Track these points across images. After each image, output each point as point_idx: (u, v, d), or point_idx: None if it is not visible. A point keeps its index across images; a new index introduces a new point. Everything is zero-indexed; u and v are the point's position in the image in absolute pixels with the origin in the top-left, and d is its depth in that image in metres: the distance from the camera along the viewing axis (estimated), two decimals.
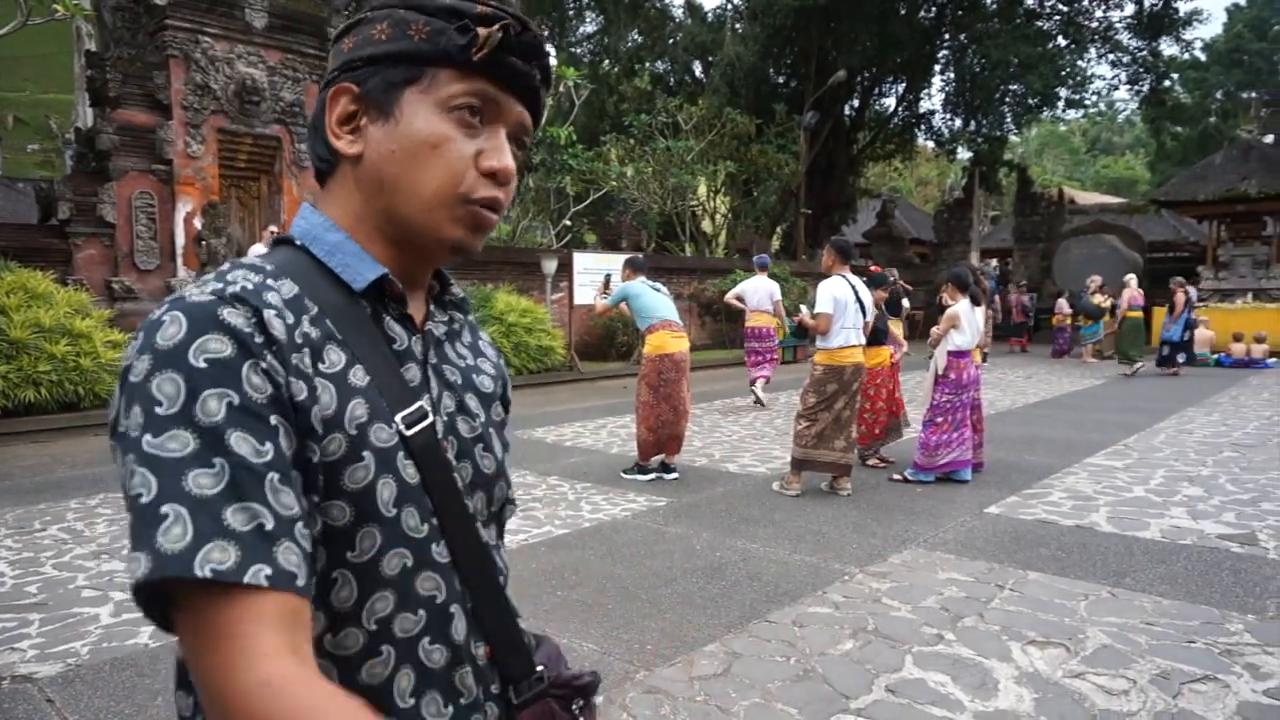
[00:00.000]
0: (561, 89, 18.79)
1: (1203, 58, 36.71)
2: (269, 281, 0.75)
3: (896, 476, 6.45)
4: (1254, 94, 33.15)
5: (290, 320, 0.73)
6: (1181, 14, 24.10)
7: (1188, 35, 24.81)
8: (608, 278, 7.07)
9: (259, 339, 0.69)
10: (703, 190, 22.48)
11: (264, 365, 0.68)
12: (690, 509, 5.58)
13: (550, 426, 9.11)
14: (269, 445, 0.66)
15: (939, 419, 6.29)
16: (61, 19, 11.08)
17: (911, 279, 20.04)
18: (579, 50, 27.66)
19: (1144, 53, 25.19)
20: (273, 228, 11.12)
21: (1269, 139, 20.50)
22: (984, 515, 5.41)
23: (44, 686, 3.08)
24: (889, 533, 5.03)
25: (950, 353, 6.35)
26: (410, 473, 0.77)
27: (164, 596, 0.62)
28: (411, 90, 0.79)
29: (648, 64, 27.26)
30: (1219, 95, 37.44)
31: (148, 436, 0.63)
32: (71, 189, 10.64)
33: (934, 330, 6.56)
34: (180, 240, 11.24)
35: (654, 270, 16.45)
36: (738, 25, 25.37)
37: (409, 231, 0.81)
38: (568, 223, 18.47)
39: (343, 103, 0.82)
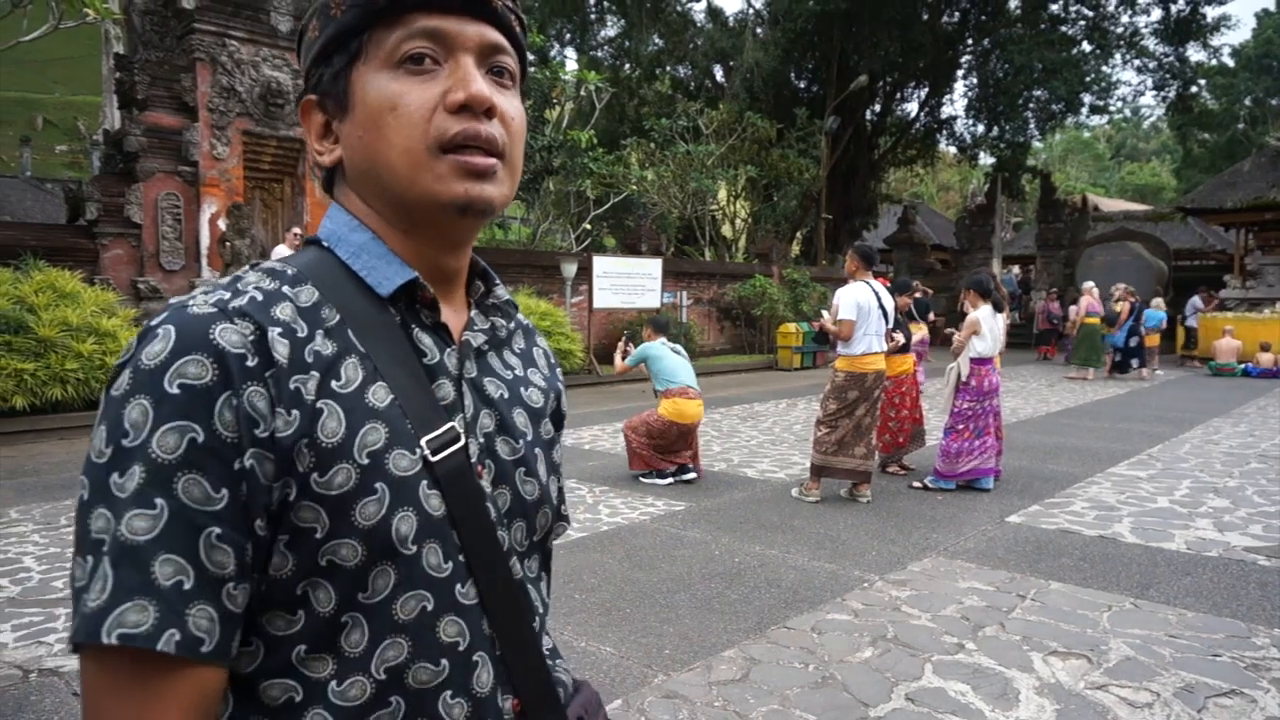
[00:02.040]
0: (583, 92, 18.86)
1: (1231, 63, 36.25)
2: (285, 289, 0.69)
3: (917, 484, 6.41)
4: None
5: (302, 334, 0.67)
6: (1209, 20, 23.80)
7: (1216, 41, 24.60)
8: (627, 337, 7.11)
9: (252, 362, 0.63)
10: (723, 195, 22.47)
11: (244, 399, 0.62)
12: (709, 513, 5.57)
13: (568, 430, 9.13)
14: (223, 492, 0.61)
15: (960, 426, 6.25)
16: (92, 23, 11.26)
17: (933, 285, 19.94)
18: (600, 54, 27.74)
19: (1171, 58, 24.91)
20: (296, 229, 11.23)
21: None
22: (1005, 524, 5.37)
23: (70, 680, 3.12)
24: (909, 540, 5.00)
25: (972, 360, 6.31)
26: (434, 504, 0.69)
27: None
28: (356, 70, 0.73)
29: (668, 68, 27.27)
30: (1247, 101, 36.94)
31: (110, 474, 0.60)
32: (99, 190, 10.80)
33: (955, 337, 6.52)
34: (205, 241, 11.38)
35: (673, 275, 16.61)
36: (759, 30, 25.35)
37: (406, 210, 0.74)
38: (588, 226, 18.54)
39: (313, 118, 0.77)
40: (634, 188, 18.62)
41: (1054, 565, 4.52)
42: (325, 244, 0.76)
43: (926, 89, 27.35)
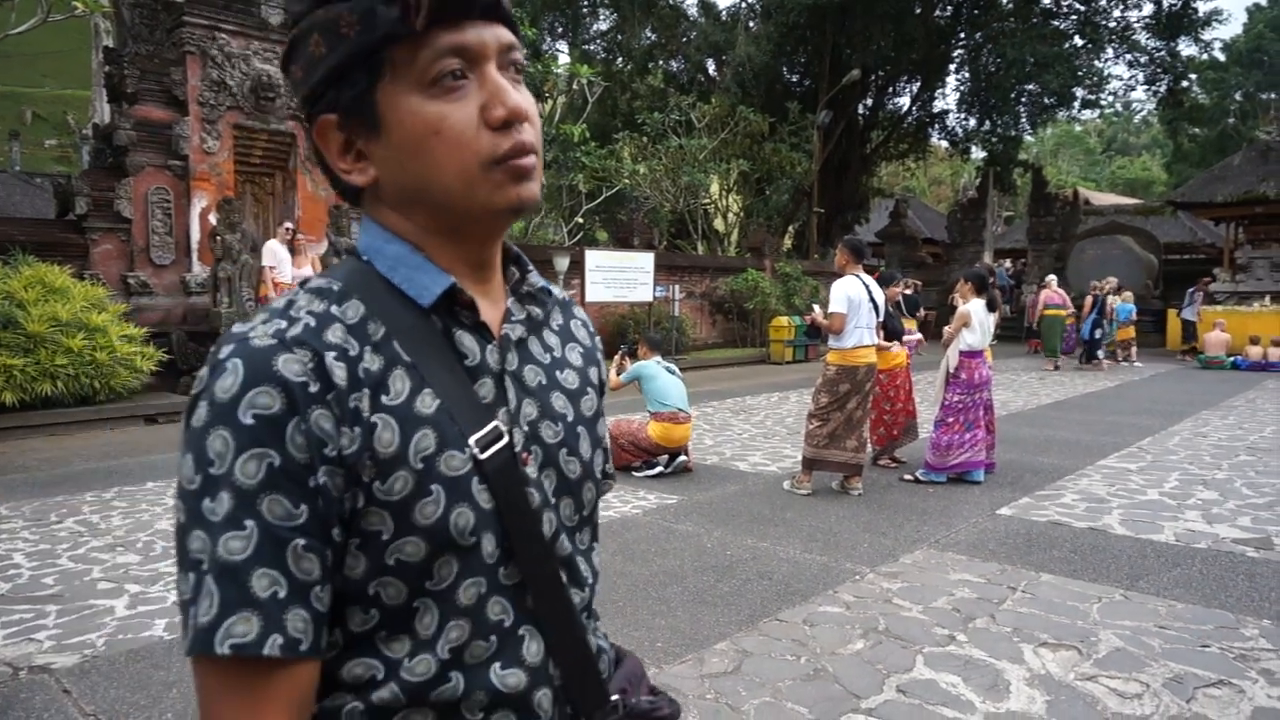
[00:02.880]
0: (575, 86, 18.80)
1: (1222, 58, 36.36)
2: (333, 309, 0.73)
3: (908, 477, 6.43)
4: (1274, 95, 32.85)
5: (354, 352, 0.72)
6: (1201, 14, 23.85)
7: (1207, 35, 24.54)
8: (624, 352, 7.12)
9: (314, 388, 0.68)
10: (715, 188, 22.45)
11: (311, 423, 0.68)
12: (701, 507, 5.58)
13: None
14: (303, 508, 0.67)
15: (950, 419, 6.27)
16: (81, 16, 11.17)
17: (924, 279, 19.98)
18: (592, 48, 27.66)
19: (1162, 53, 24.96)
20: (288, 224, 11.17)
21: None
22: (996, 516, 5.39)
23: (60, 677, 3.12)
24: (900, 533, 5.02)
25: (962, 352, 6.32)
26: (484, 498, 0.74)
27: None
28: (381, 89, 0.73)
29: (661, 62, 27.20)
30: (1238, 96, 37.09)
31: (202, 500, 0.66)
32: (89, 184, 10.73)
33: (946, 330, 6.54)
34: (195, 235, 11.32)
35: (666, 269, 16.60)
36: (751, 24, 25.31)
37: (462, 220, 0.77)
38: (580, 220, 18.52)
39: (332, 137, 0.77)
40: (626, 181, 18.59)
41: (1044, 557, 4.54)
42: (364, 257, 0.79)
43: (919, 83, 27.36)
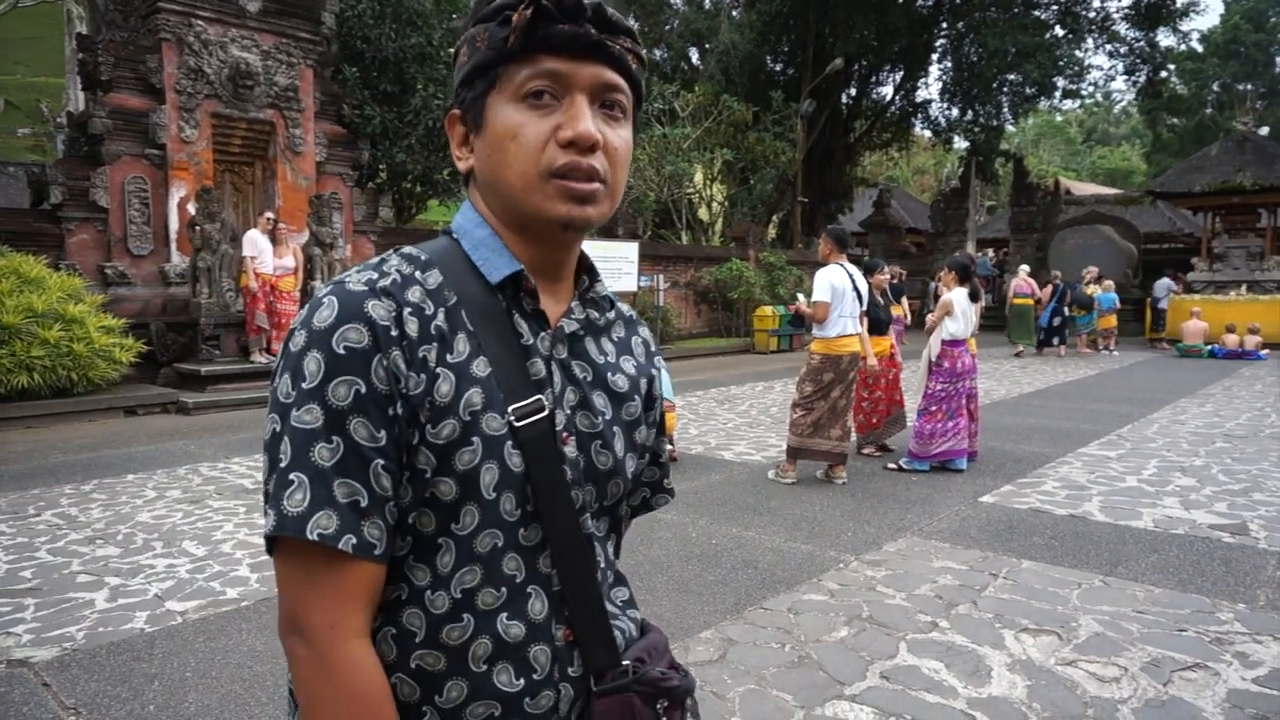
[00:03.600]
0: None
1: (1200, 49, 36.65)
2: (417, 274, 0.85)
3: (891, 465, 6.47)
4: (1250, 86, 33.17)
5: (429, 311, 0.83)
6: (1179, 5, 24.04)
7: (1185, 26, 24.99)
8: None
9: (394, 332, 0.80)
10: (699, 178, 22.42)
11: (390, 360, 0.79)
12: (685, 496, 5.59)
13: None
14: (383, 433, 0.78)
15: (933, 408, 6.31)
16: (53, 1, 10.98)
17: (908, 268, 20.06)
18: None
19: (1141, 43, 25.15)
20: (269, 213, 11.05)
21: (1264, 131, 20.54)
22: (978, 504, 5.44)
23: (40, 670, 3.08)
24: (884, 521, 5.05)
25: (944, 341, 6.36)
26: (515, 461, 0.83)
27: (272, 539, 0.78)
28: (491, 97, 0.86)
29: (644, 50, 27.10)
30: (1215, 87, 37.38)
31: (294, 409, 0.78)
32: (63, 173, 10.55)
33: (928, 318, 6.57)
34: (174, 225, 11.17)
35: (650, 258, 16.58)
36: (734, 12, 25.24)
37: (521, 219, 0.88)
38: None
39: (455, 128, 0.92)
40: None
41: (1026, 544, 4.59)
42: (454, 235, 0.92)
43: (902, 72, 27.42)
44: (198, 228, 10.35)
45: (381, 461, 0.78)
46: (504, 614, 0.84)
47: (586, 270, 0.97)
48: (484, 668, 0.84)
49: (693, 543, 4.61)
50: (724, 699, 2.86)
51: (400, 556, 0.83)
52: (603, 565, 0.94)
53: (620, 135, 0.88)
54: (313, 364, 0.78)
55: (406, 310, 0.81)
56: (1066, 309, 16.69)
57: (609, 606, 0.94)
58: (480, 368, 0.83)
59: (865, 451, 6.97)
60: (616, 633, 0.92)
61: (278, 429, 0.78)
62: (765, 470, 6.32)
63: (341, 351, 0.77)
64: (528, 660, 0.86)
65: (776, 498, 5.59)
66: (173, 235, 11.18)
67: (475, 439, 0.81)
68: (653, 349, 1.08)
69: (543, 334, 0.89)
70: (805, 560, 4.33)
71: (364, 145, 13.39)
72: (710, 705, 2.82)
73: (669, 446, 6.50)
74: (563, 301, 0.94)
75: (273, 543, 0.79)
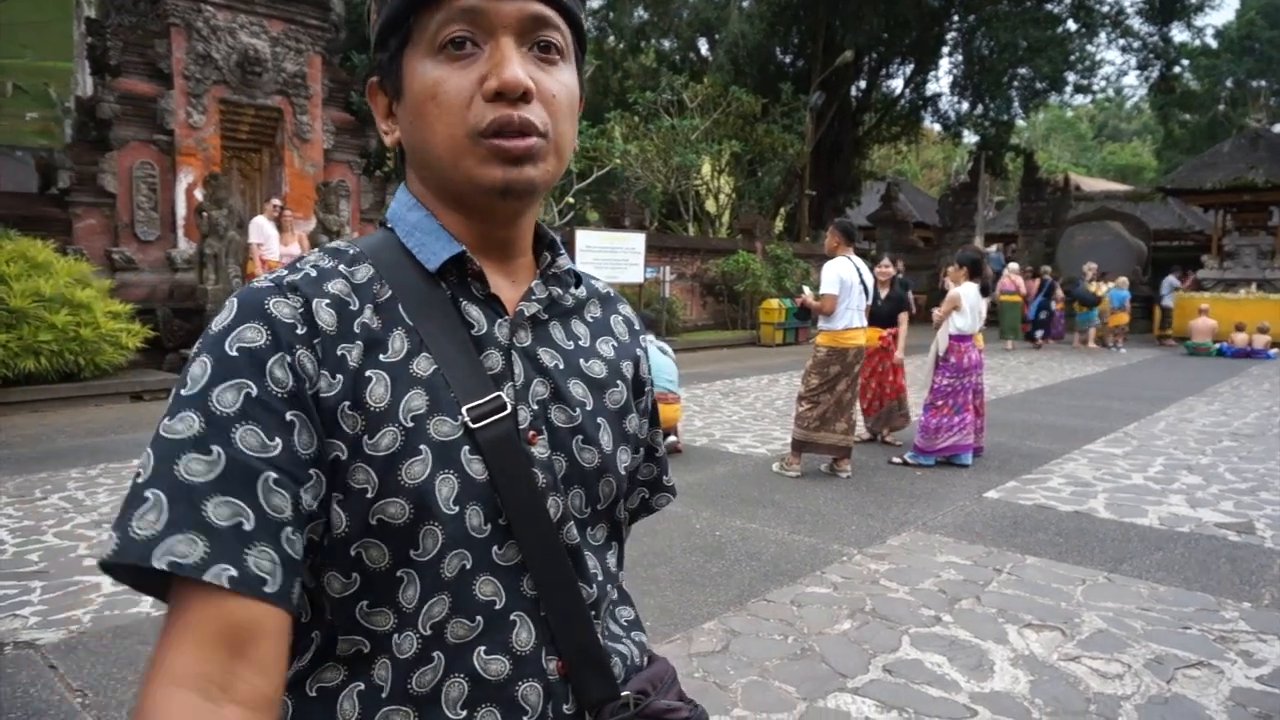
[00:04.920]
0: None
1: (1214, 44, 36.32)
2: (341, 267, 0.75)
3: (896, 459, 6.46)
4: (1264, 82, 32.90)
5: (353, 307, 0.72)
6: (1193, 0, 23.83)
7: (1199, 21, 24.71)
8: None
9: (300, 330, 0.68)
10: (707, 169, 22.37)
11: (293, 359, 0.67)
12: (690, 488, 5.59)
13: None
14: (278, 441, 0.65)
15: (939, 402, 6.29)
16: None
17: (915, 263, 20.01)
18: (584, 26, 27.38)
19: (1154, 38, 24.95)
20: (275, 200, 11.06)
21: (1278, 128, 20.36)
22: (983, 499, 5.43)
23: (46, 653, 3.10)
24: (888, 515, 5.04)
25: (951, 336, 6.34)
26: (476, 469, 0.72)
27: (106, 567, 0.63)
28: (406, 55, 0.74)
29: (653, 40, 26.98)
30: (1229, 83, 37.06)
31: (165, 418, 0.65)
32: (72, 158, 10.58)
33: (935, 313, 6.55)
34: (181, 211, 11.20)
35: (656, 250, 16.54)
36: (744, 2, 25.11)
37: (453, 191, 0.77)
38: (570, 200, 18.39)
39: (378, 99, 0.80)
40: (618, 161, 18.49)
41: (1030, 540, 4.58)
42: (389, 224, 0.81)
43: (912, 66, 27.26)
44: (205, 214, 10.37)
45: (273, 475, 0.64)
46: (481, 647, 0.72)
47: (547, 245, 0.85)
48: (461, 713, 0.71)
49: (696, 534, 4.62)
50: (726, 690, 2.87)
51: (346, 601, 0.70)
52: (600, 579, 0.81)
53: (559, 80, 0.75)
54: (197, 368, 0.66)
55: (321, 303, 0.70)
56: (1053, 303, 17.21)
57: (612, 627, 0.84)
58: (422, 366, 0.72)
59: (888, 440, 7.13)
60: (616, 659, 0.80)
61: (149, 442, 0.65)
62: (770, 463, 6.32)
63: (234, 354, 0.66)
64: (515, 700, 0.73)
65: (781, 490, 5.59)
66: (180, 221, 11.21)
67: (423, 447, 0.70)
68: (636, 327, 0.95)
69: (500, 321, 0.78)
70: (809, 553, 4.33)
71: (372, 133, 13.38)
72: (713, 696, 2.83)
73: (672, 438, 6.53)
74: (521, 283, 0.82)
75: (110, 571, 0.62)
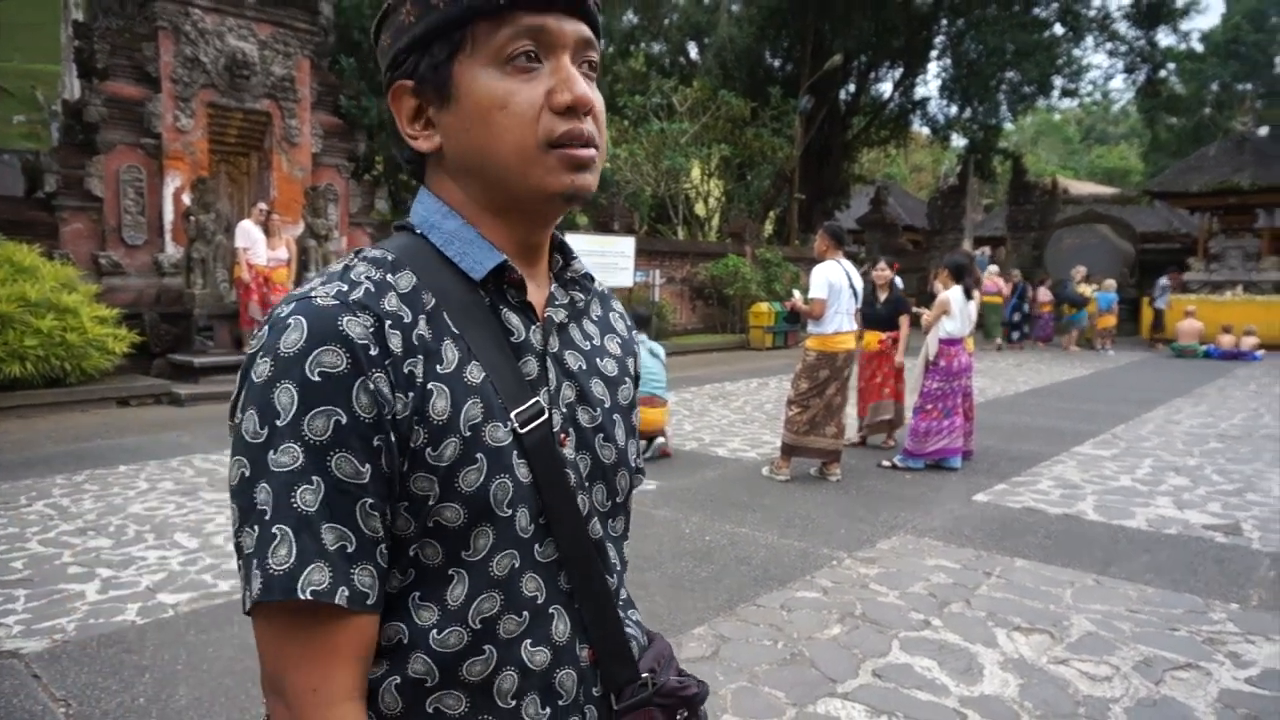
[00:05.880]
0: None
1: (1199, 48, 36.60)
2: (388, 277, 0.76)
3: (886, 463, 6.47)
4: (1249, 86, 33.17)
5: (408, 320, 0.74)
6: (1179, 4, 24.00)
7: (1185, 26, 24.88)
8: None
9: (375, 351, 0.70)
10: (696, 173, 22.36)
11: (374, 383, 0.70)
12: (679, 492, 5.58)
13: None
14: (368, 466, 0.69)
15: (929, 406, 6.31)
16: None
17: (904, 266, 20.05)
18: None
19: (1141, 42, 25.10)
20: (262, 204, 11.01)
21: (1263, 132, 20.52)
22: (972, 503, 5.44)
23: (30, 662, 3.07)
24: (878, 519, 5.05)
25: (941, 340, 6.36)
26: (523, 472, 0.76)
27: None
28: (459, 61, 0.76)
29: (643, 44, 27.00)
30: (1215, 87, 37.37)
31: (269, 452, 0.67)
32: (58, 161, 10.51)
33: (925, 317, 6.57)
34: (169, 215, 11.14)
35: (646, 254, 16.54)
36: (734, 6, 25.16)
37: (515, 199, 0.79)
38: None
39: (405, 102, 0.80)
40: (607, 165, 18.49)
41: (1019, 543, 4.59)
42: (418, 230, 0.82)
43: (901, 69, 27.34)
44: (192, 218, 10.31)
45: (369, 500, 0.69)
46: (528, 640, 0.78)
47: (557, 248, 0.89)
48: (512, 703, 0.77)
49: (686, 539, 4.61)
50: (716, 695, 2.86)
51: (401, 592, 0.75)
52: (619, 569, 0.89)
53: (598, 96, 0.81)
54: (284, 396, 0.68)
55: (388, 323, 0.72)
56: (1025, 305, 18.02)
57: (622, 618, 0.88)
58: (474, 374, 0.75)
59: (890, 443, 7.19)
60: (632, 643, 0.87)
61: (247, 473, 0.68)
62: (759, 467, 6.32)
63: (317, 379, 0.68)
64: (554, 687, 0.80)
65: (770, 495, 5.59)
66: (167, 225, 11.15)
67: (480, 455, 0.74)
68: (629, 322, 1.01)
69: (534, 327, 0.82)
70: (799, 557, 4.33)
71: (361, 137, 13.35)
72: None
73: (661, 440, 6.52)
74: (542, 287, 0.86)
75: (255, 606, 0.69)
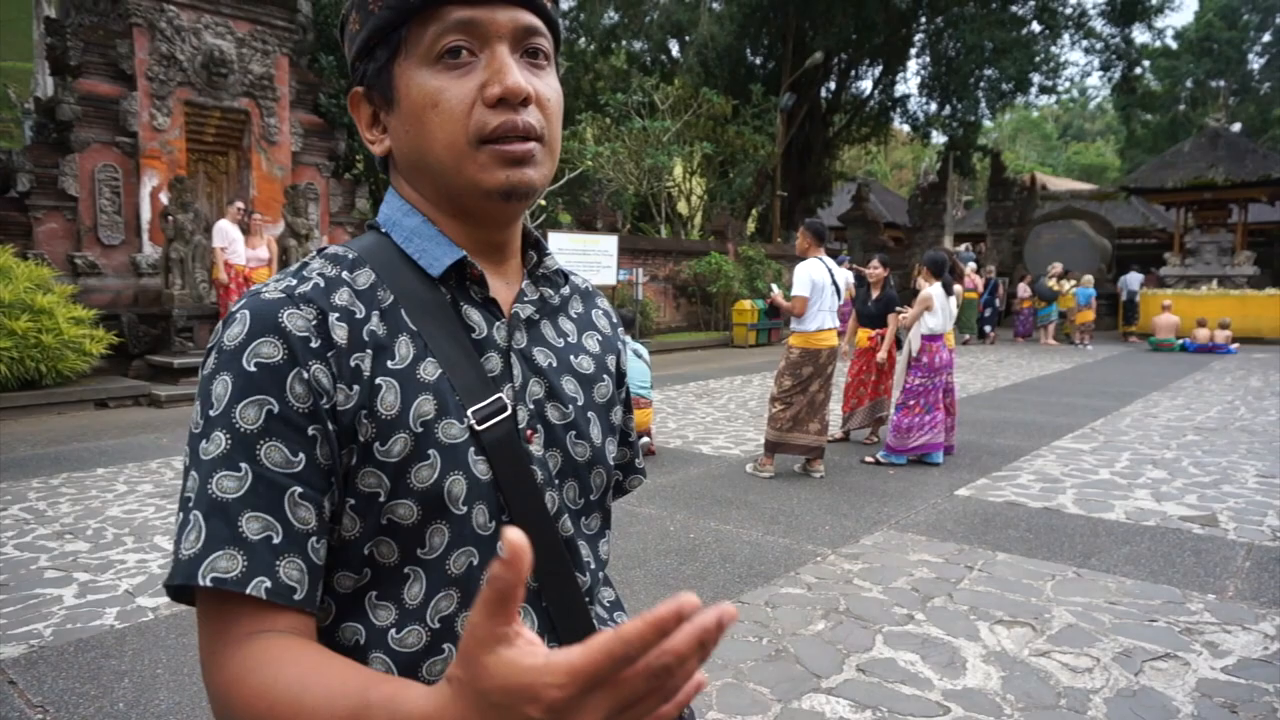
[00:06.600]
0: None
1: (1174, 45, 37.08)
2: (344, 274, 0.76)
3: (869, 459, 6.50)
4: (1223, 83, 33.60)
5: (360, 315, 0.74)
6: (1154, 1, 24.28)
7: (1159, 23, 25.17)
8: None
9: (316, 343, 0.70)
10: (679, 171, 22.39)
11: (311, 374, 0.70)
12: (663, 490, 5.59)
13: None
14: (301, 456, 0.69)
15: (911, 402, 6.35)
16: None
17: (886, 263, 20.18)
18: None
19: (1116, 39, 25.37)
20: (239, 203, 10.91)
21: (1236, 127, 20.83)
22: (954, 497, 5.48)
23: (6, 668, 3.03)
24: (861, 514, 5.07)
25: (923, 336, 6.40)
26: (481, 469, 0.75)
27: (188, 591, 0.69)
28: (399, 63, 0.76)
29: (624, 42, 26.96)
30: (1189, 83, 37.85)
31: (201, 441, 0.69)
32: (31, 160, 10.36)
33: (906, 315, 6.61)
34: (146, 215, 11.01)
35: (629, 252, 16.54)
36: (714, 4, 25.19)
37: (454, 197, 0.78)
38: (542, 202, 18.31)
39: (362, 108, 0.82)
40: (589, 163, 18.46)
41: (1001, 537, 4.63)
42: (383, 228, 0.82)
43: (880, 67, 27.48)
44: (170, 218, 10.20)
45: (299, 489, 0.68)
46: None
47: (533, 245, 0.88)
48: None
49: (670, 536, 4.61)
50: (701, 692, 2.86)
51: (357, 592, 0.74)
52: (593, 567, 0.86)
53: (549, 85, 0.79)
54: (220, 387, 0.69)
55: (333, 316, 0.72)
56: (997, 301, 18.88)
57: (599, 611, 0.87)
58: (428, 371, 0.74)
59: (873, 439, 7.20)
60: None
61: (187, 462, 0.70)
62: (743, 464, 6.34)
63: (252, 369, 0.68)
64: None
65: (754, 491, 5.60)
66: (145, 225, 11.02)
67: (431, 452, 0.73)
68: (614, 320, 0.99)
69: (498, 324, 0.80)
70: (783, 554, 4.35)
71: (341, 135, 13.24)
72: None
73: (645, 439, 6.52)
74: (513, 284, 0.85)
75: (175, 593, 0.69)
